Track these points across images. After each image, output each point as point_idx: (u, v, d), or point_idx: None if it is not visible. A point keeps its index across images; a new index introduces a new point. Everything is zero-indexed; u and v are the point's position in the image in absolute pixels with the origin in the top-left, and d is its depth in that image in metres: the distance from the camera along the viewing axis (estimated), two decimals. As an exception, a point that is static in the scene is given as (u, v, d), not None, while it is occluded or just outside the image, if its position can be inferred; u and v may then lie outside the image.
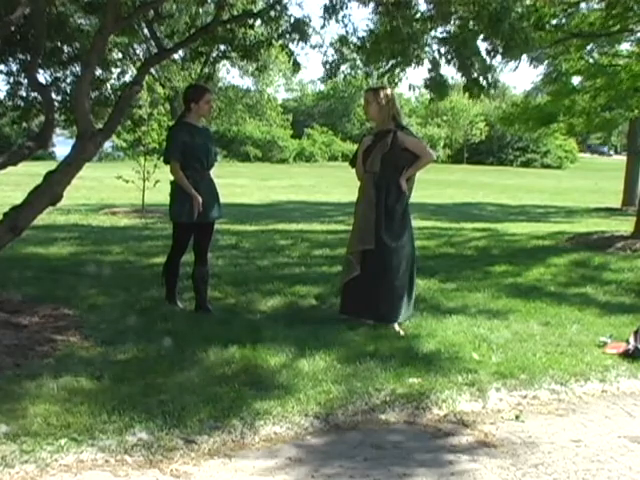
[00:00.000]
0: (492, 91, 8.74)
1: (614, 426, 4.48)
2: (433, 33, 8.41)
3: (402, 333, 6.10)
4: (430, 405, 4.60)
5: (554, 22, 13.28)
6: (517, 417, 4.53)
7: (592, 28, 14.41)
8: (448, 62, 8.08)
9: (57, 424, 3.97)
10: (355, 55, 9.36)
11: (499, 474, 3.76)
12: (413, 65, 8.70)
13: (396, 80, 9.56)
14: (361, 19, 10.99)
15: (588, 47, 17.64)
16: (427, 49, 8.39)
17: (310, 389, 4.64)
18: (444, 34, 8.33)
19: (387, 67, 9.63)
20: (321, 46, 9.32)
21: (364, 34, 8.73)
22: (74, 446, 3.78)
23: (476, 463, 3.89)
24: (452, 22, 8.21)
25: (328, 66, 9.33)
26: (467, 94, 8.82)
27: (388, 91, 6.40)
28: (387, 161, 6.21)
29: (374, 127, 6.56)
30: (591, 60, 18.75)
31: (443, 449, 4.08)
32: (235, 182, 24.93)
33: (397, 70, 9.42)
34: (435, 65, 8.29)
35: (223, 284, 7.78)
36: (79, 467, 3.63)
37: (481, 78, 8.18)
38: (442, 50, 8.20)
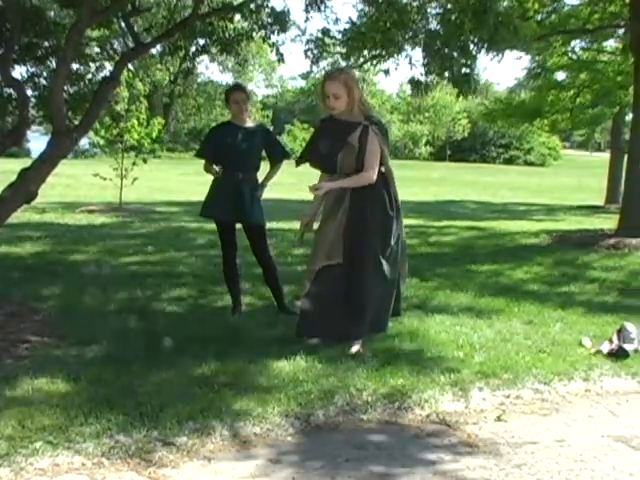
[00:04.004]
0: (472, 89, 8.75)
1: (598, 425, 4.45)
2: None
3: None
4: (412, 405, 4.55)
5: (538, 17, 13.34)
6: (499, 417, 4.49)
7: (577, 24, 14.51)
8: (432, 58, 8.08)
9: (32, 427, 3.89)
10: (336, 49, 9.36)
11: (482, 474, 3.72)
12: (396, 55, 8.70)
13: (377, 70, 9.57)
14: (343, 3, 10.90)
15: (572, 43, 17.76)
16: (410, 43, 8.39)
17: (291, 389, 4.58)
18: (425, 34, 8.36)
19: (368, 57, 9.64)
20: (302, 34, 9.30)
21: (346, 26, 8.73)
22: (50, 449, 3.70)
23: (459, 463, 3.85)
24: (436, 18, 8.22)
25: (310, 53, 9.30)
26: (449, 91, 8.85)
27: (353, 73, 5.69)
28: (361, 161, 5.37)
29: (338, 116, 5.46)
30: (574, 56, 18.87)
31: (425, 449, 4.03)
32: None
33: (377, 61, 9.44)
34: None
35: (202, 283, 7.73)
36: (55, 471, 3.55)
37: (463, 74, 8.19)
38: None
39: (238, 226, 6.53)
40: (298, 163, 5.88)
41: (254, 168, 6.46)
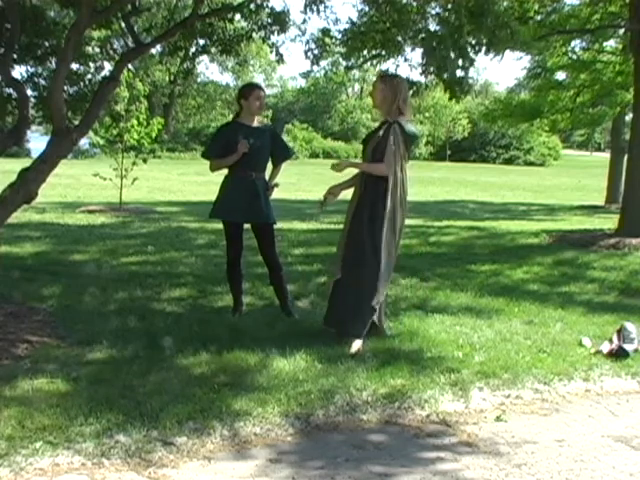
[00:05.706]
0: (465, 93, 8.73)
1: (598, 425, 4.45)
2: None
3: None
4: (412, 405, 4.55)
5: (538, 18, 13.33)
6: (499, 417, 4.49)
7: (577, 24, 14.51)
8: (429, 58, 8.07)
9: (32, 427, 3.89)
10: (336, 49, 9.34)
11: (482, 474, 3.72)
12: (396, 56, 8.69)
13: (377, 70, 9.57)
14: (343, 3, 10.91)
15: (572, 43, 17.77)
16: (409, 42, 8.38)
17: (290, 389, 4.58)
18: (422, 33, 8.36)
19: (368, 57, 9.63)
20: (302, 35, 9.29)
21: (346, 26, 8.72)
22: (50, 449, 3.70)
23: (459, 463, 3.85)
24: (432, 19, 8.22)
25: (310, 54, 9.29)
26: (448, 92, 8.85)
27: (397, 80, 5.90)
28: (378, 156, 5.63)
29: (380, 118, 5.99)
30: (574, 56, 18.87)
31: (425, 449, 4.03)
32: (214, 179, 24.54)
33: (377, 61, 9.43)
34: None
35: (202, 283, 7.71)
36: (55, 471, 3.55)
37: (457, 76, 8.19)
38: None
39: (246, 226, 6.50)
40: None
41: (264, 168, 6.44)
